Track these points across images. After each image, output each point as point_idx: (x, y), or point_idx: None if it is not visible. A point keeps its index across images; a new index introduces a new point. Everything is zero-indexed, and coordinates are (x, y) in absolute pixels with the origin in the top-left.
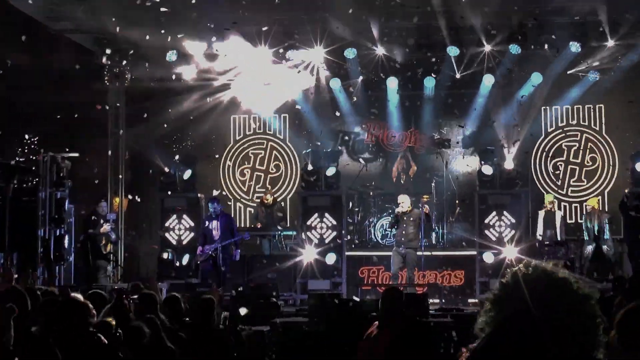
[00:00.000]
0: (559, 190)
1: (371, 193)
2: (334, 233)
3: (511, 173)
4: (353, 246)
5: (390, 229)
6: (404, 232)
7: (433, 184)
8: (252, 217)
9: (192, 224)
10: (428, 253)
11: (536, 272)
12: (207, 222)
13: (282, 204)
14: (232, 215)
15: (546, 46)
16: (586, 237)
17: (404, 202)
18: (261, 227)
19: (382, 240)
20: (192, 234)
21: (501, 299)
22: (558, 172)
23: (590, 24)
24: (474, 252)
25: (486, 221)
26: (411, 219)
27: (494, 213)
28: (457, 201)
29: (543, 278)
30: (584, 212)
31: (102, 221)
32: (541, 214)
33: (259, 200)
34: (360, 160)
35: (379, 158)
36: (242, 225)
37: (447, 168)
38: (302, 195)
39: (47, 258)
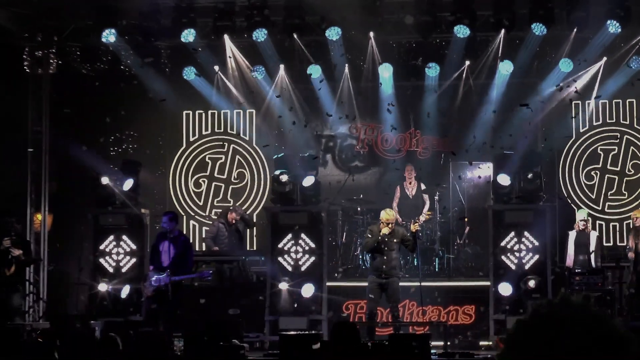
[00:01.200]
0: (594, 206)
1: (359, 209)
2: (312, 258)
3: (534, 184)
4: (336, 275)
5: (368, 253)
6: (385, 258)
7: (436, 198)
8: (209, 238)
9: (134, 247)
10: (430, 284)
11: (565, 307)
12: (158, 242)
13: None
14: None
15: (577, 26)
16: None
17: (391, 220)
18: (221, 250)
19: None
20: (134, 260)
21: (520, 340)
22: (592, 182)
23: None
24: (487, 283)
25: (502, 244)
26: (394, 240)
27: (513, 234)
28: (465, 219)
29: (574, 314)
30: (632, 226)
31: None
32: (572, 235)
33: (216, 217)
34: (353, 169)
35: (372, 167)
36: (197, 249)
37: (454, 177)
38: (272, 211)
39: None
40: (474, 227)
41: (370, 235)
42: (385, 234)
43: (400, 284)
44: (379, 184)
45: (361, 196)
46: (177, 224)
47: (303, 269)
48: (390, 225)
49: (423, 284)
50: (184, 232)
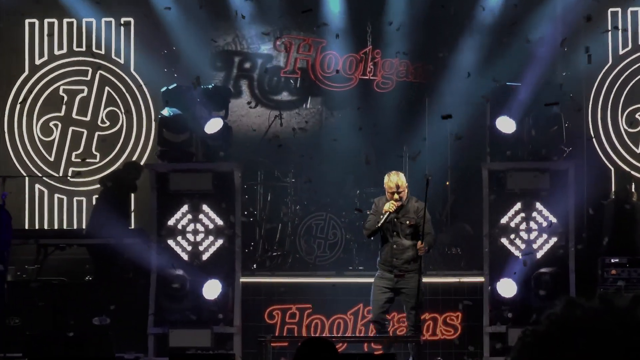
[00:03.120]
0: (638, 164)
1: (292, 170)
2: (220, 242)
3: (551, 131)
4: (254, 266)
5: (371, 237)
6: (395, 247)
7: (406, 152)
8: (95, 211)
9: None
10: None
11: (604, 312)
12: None
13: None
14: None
15: None
16: None
17: (402, 187)
18: (90, 230)
19: (309, 257)
20: None
21: None
22: (638, 129)
23: None
24: (481, 279)
25: (503, 221)
26: (407, 222)
27: (519, 205)
28: (447, 183)
29: (617, 324)
30: None
31: None
32: (608, 208)
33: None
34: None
35: (308, 102)
36: (46, 227)
37: (432, 122)
38: (158, 170)
39: None
40: (460, 197)
41: (373, 213)
42: (390, 211)
43: (355, 280)
44: (320, 128)
45: (293, 148)
46: None
47: (205, 257)
48: (398, 196)
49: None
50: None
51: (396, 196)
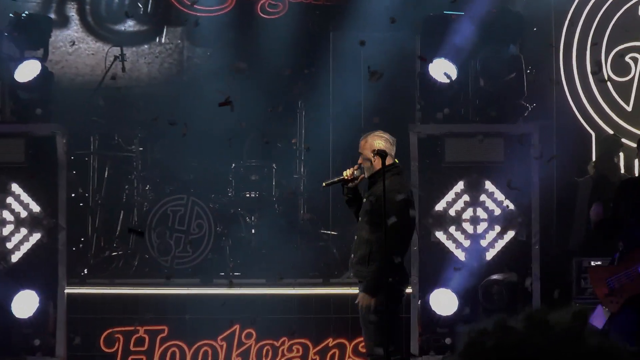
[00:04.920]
0: (628, 126)
1: (140, 135)
2: (37, 235)
3: (506, 79)
4: (86, 272)
5: None
6: (356, 237)
7: (301, 108)
8: None
9: None
10: (283, 291)
11: (534, 334)
12: None
13: None
14: None
15: None
16: None
17: (361, 150)
18: None
19: (163, 258)
20: None
21: None
22: (627, 77)
23: None
24: (408, 290)
25: (439, 207)
26: (366, 207)
27: (461, 185)
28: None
29: (554, 350)
30: None
31: None
32: (583, 186)
33: None
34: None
35: (163, 35)
36: None
37: (339, 61)
38: None
39: None
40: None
41: None
42: (345, 177)
43: (227, 291)
44: (180, 72)
45: (140, 103)
46: None
47: (15, 258)
48: (353, 168)
49: (269, 291)
50: None
51: (353, 168)
